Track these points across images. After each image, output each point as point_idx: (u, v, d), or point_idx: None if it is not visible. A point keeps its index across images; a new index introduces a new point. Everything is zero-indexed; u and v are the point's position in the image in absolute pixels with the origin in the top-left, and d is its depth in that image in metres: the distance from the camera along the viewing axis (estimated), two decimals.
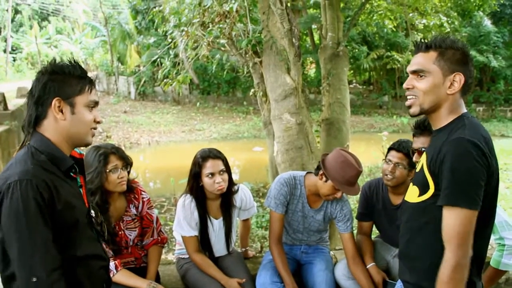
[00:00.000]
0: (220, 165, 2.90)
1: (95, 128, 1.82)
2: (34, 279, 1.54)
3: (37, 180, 1.59)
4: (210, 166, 2.88)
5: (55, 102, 1.68)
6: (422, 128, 2.64)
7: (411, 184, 1.94)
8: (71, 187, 1.75)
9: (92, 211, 1.91)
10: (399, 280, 2.03)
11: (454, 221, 1.67)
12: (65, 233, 1.68)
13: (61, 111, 1.70)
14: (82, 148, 1.92)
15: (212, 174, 2.87)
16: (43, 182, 1.60)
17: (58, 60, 1.78)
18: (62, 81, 1.71)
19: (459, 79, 1.77)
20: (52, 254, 1.59)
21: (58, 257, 1.61)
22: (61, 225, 1.65)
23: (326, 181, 2.85)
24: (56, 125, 1.71)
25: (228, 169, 2.97)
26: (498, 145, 12.43)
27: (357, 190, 2.85)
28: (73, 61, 1.77)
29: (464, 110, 1.84)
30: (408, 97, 1.86)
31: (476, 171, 1.65)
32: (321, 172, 2.88)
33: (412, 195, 1.89)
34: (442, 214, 1.71)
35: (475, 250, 1.75)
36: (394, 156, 2.93)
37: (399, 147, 2.93)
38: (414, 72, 1.84)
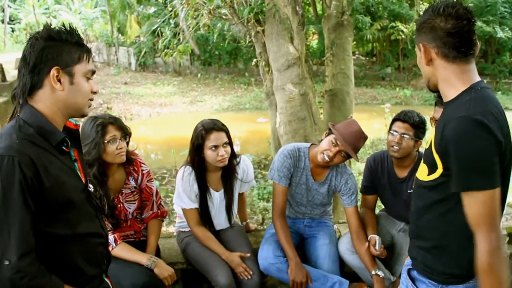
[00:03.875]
0: (224, 138, 2.83)
1: (91, 99, 1.73)
2: (6, 262, 1.47)
3: (21, 156, 1.49)
4: (214, 138, 2.80)
5: (53, 71, 1.57)
6: None
7: (422, 161, 1.84)
8: (61, 162, 1.65)
9: (91, 186, 1.82)
10: (409, 259, 1.97)
11: (476, 205, 1.56)
12: (59, 211, 1.61)
13: (59, 80, 1.60)
14: (78, 118, 1.83)
15: (216, 147, 2.80)
16: (28, 158, 1.50)
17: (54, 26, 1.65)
18: (60, 48, 1.59)
19: (424, 48, 1.70)
20: (27, 238, 1.51)
21: (32, 241, 1.52)
22: (52, 203, 1.57)
23: (328, 134, 2.86)
24: (52, 96, 1.61)
25: (230, 142, 2.89)
26: None
27: (354, 149, 2.79)
28: (69, 27, 1.65)
29: (475, 79, 1.68)
30: None
31: (484, 150, 1.53)
32: (327, 131, 2.89)
33: (422, 173, 1.79)
34: (462, 200, 1.59)
35: None
36: (400, 126, 2.86)
37: (405, 117, 2.86)
38: None
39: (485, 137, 1.53)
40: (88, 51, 1.69)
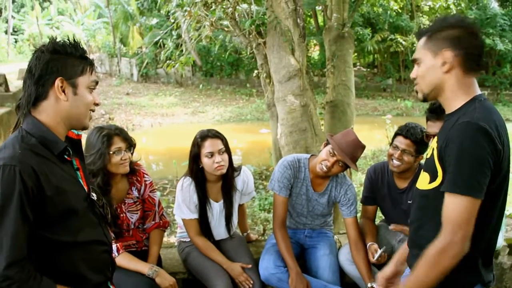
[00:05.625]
0: (219, 145, 2.85)
1: (93, 110, 1.78)
2: None
3: (23, 166, 1.53)
4: (209, 145, 2.83)
5: (58, 82, 1.63)
6: (438, 112, 2.54)
7: (422, 170, 1.88)
8: (63, 171, 1.69)
9: (94, 194, 1.86)
10: (407, 268, 1.99)
11: (454, 207, 1.62)
12: (61, 219, 1.64)
13: (64, 91, 1.65)
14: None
15: (211, 154, 2.82)
16: (29, 168, 1.54)
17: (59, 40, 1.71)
18: (64, 61, 1.65)
19: (449, 55, 1.71)
20: (19, 248, 1.53)
21: (24, 250, 1.55)
22: (53, 211, 1.61)
23: (326, 145, 2.88)
24: (56, 106, 1.66)
25: (228, 151, 2.91)
26: None
27: (351, 159, 2.80)
28: (73, 41, 1.71)
29: (477, 91, 1.75)
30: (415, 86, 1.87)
31: (481, 158, 1.59)
32: (325, 141, 2.92)
33: (423, 182, 1.83)
34: (444, 198, 1.66)
35: (481, 241, 1.72)
36: (402, 142, 2.86)
37: (407, 133, 2.85)
38: (413, 61, 1.84)
39: (484, 145, 1.59)
40: (92, 64, 1.75)
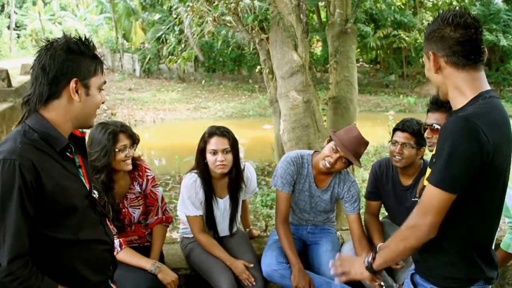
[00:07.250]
0: (224, 144, 2.83)
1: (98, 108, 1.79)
2: None
3: (23, 160, 1.51)
4: (214, 143, 2.82)
5: (72, 83, 1.62)
6: (438, 104, 2.54)
7: (428, 166, 1.87)
8: (64, 168, 1.68)
9: (95, 192, 1.84)
10: (413, 264, 1.98)
11: (428, 194, 1.68)
12: (61, 216, 1.63)
13: (77, 92, 1.64)
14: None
15: (215, 152, 2.81)
16: (29, 162, 1.52)
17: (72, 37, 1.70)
18: (79, 61, 1.65)
19: (434, 57, 1.72)
20: (20, 242, 1.52)
21: (26, 245, 1.54)
22: (54, 208, 1.59)
23: (329, 141, 2.87)
24: (68, 106, 1.65)
25: (234, 151, 2.89)
26: None
27: (354, 155, 2.79)
28: (85, 39, 1.70)
29: (485, 87, 1.71)
30: None
31: (460, 151, 1.57)
32: (328, 138, 2.91)
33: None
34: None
35: (477, 239, 1.73)
36: (400, 136, 2.86)
37: (404, 126, 2.86)
38: None
39: (468, 141, 1.58)
40: (102, 63, 1.75)
